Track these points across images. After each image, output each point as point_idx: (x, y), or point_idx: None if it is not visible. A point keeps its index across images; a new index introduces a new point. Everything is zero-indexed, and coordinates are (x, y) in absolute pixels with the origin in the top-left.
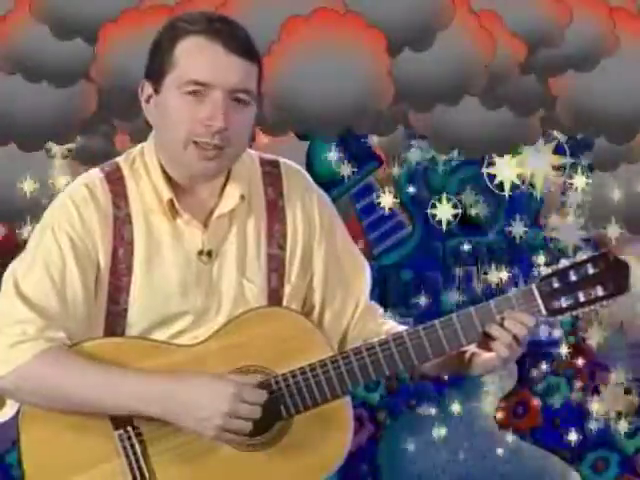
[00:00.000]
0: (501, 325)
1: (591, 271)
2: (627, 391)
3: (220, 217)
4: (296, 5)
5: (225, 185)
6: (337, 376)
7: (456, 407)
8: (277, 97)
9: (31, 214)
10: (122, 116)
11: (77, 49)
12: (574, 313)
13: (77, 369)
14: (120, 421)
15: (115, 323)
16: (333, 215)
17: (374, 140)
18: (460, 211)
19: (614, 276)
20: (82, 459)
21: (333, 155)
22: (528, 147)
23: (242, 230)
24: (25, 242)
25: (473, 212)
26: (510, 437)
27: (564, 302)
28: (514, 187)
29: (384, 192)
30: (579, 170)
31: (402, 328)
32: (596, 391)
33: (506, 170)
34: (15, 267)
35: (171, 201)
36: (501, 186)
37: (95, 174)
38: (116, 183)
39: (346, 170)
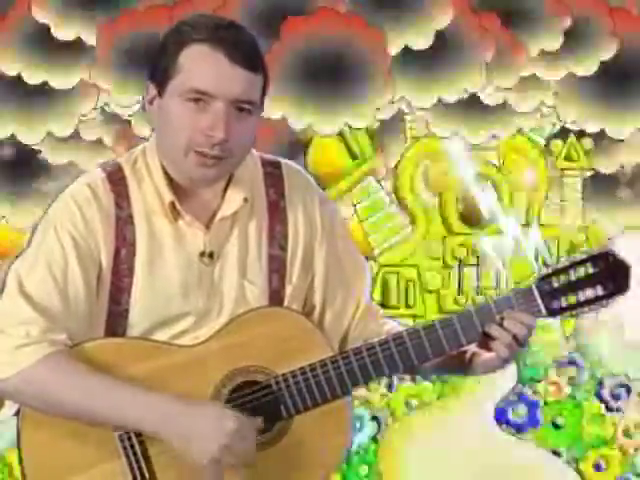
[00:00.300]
0: (501, 325)
1: (591, 270)
2: (627, 391)
3: (223, 219)
4: (296, 5)
5: (227, 187)
6: (337, 376)
7: (456, 407)
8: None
9: None
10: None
11: (77, 50)
12: (574, 313)
13: (78, 379)
14: None
15: (116, 323)
16: (334, 216)
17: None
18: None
19: (614, 276)
20: (82, 459)
21: (333, 155)
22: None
23: (244, 231)
24: None
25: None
26: (511, 437)
27: (564, 302)
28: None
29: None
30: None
31: (402, 328)
32: (596, 391)
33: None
34: (17, 266)
35: (172, 203)
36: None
37: (97, 174)
38: (118, 183)
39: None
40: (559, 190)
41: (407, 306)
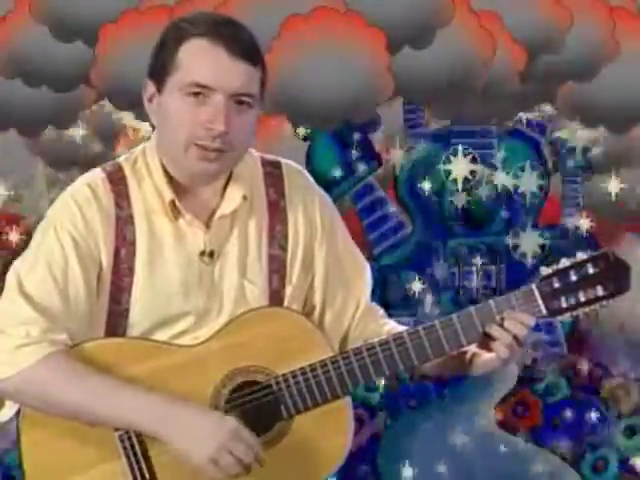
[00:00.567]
0: (501, 325)
1: (591, 271)
2: (627, 391)
3: (222, 218)
4: (296, 4)
5: (227, 186)
6: (337, 376)
7: (456, 407)
8: (277, 91)
9: None
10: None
11: (77, 52)
12: (574, 313)
13: (78, 380)
14: None
15: (117, 323)
16: (334, 216)
17: (374, 139)
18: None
19: (614, 276)
20: (82, 460)
21: (333, 155)
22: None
23: (244, 231)
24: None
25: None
26: (510, 437)
27: (564, 302)
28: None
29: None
30: None
31: (402, 328)
32: (596, 391)
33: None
34: (18, 266)
35: (173, 202)
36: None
37: (97, 174)
38: (118, 183)
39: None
40: None
41: (407, 306)
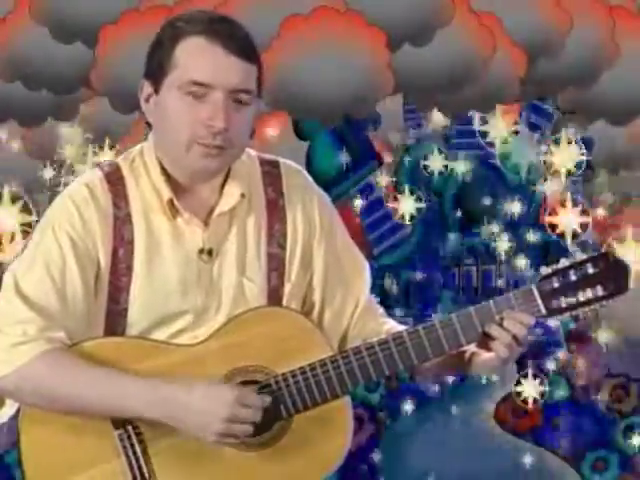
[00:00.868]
0: (500, 325)
1: (591, 271)
2: (627, 391)
3: (220, 215)
4: (296, 4)
5: (225, 183)
6: (337, 376)
7: (456, 407)
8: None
9: None
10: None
11: (77, 53)
12: (574, 313)
13: (77, 371)
14: (120, 421)
15: (115, 322)
16: (333, 215)
17: (374, 139)
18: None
19: (614, 276)
20: (82, 459)
21: (333, 155)
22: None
23: (242, 229)
24: None
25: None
26: (510, 437)
27: (564, 302)
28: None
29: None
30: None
31: (402, 327)
32: (596, 391)
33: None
34: (15, 267)
35: (171, 200)
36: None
37: (95, 174)
38: (116, 183)
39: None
40: None
41: (407, 306)
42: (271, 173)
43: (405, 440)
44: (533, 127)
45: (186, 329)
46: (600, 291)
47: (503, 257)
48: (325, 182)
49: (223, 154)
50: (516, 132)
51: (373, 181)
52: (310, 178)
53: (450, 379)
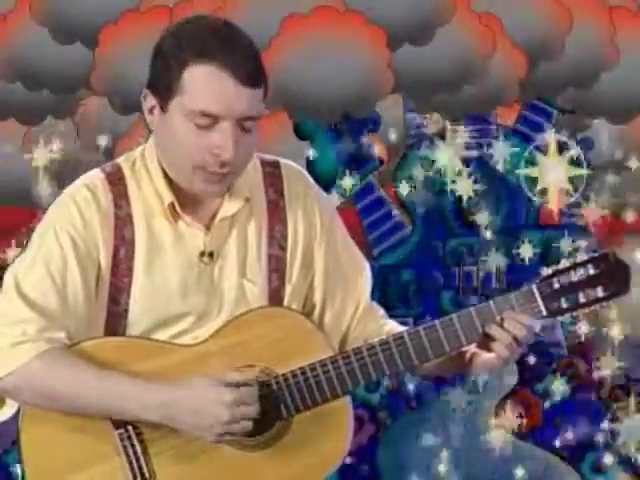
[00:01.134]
0: (501, 326)
1: (592, 272)
2: (627, 391)
3: (222, 220)
4: (296, 4)
5: (228, 188)
6: (337, 376)
7: (456, 407)
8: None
9: None
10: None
11: (77, 53)
12: (574, 314)
13: (76, 371)
14: (120, 420)
15: (116, 324)
16: (333, 215)
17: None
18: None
19: (615, 277)
20: (82, 458)
21: (333, 155)
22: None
23: (243, 231)
24: None
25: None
26: (510, 437)
27: (564, 303)
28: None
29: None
30: None
31: (402, 328)
32: (596, 391)
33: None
34: (16, 267)
35: (172, 205)
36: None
37: (96, 175)
38: (117, 183)
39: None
40: None
41: (407, 306)
42: (272, 174)
43: (405, 440)
44: (533, 127)
45: (187, 331)
46: (600, 292)
47: (503, 257)
48: (325, 182)
49: (227, 179)
50: (515, 131)
51: (373, 181)
52: (311, 179)
53: (450, 379)
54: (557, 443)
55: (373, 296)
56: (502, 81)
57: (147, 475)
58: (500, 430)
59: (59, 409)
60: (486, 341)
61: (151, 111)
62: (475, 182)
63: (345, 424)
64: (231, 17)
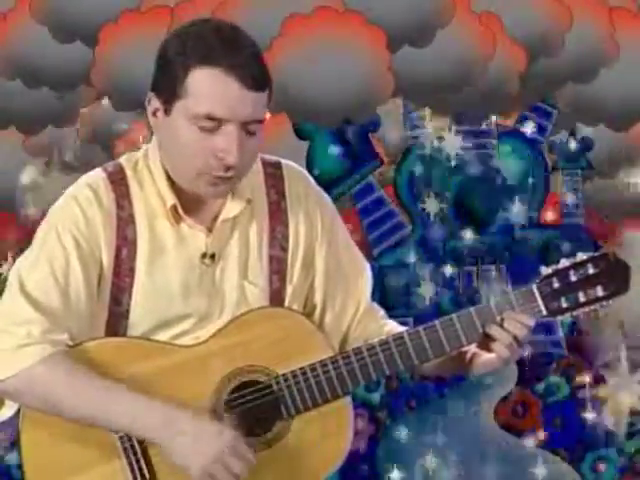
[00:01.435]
0: (501, 326)
1: (591, 271)
2: (627, 391)
3: (224, 221)
4: (296, 4)
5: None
6: (337, 376)
7: (456, 407)
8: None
9: None
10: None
11: (77, 53)
12: (574, 313)
13: (80, 383)
14: None
15: (117, 324)
16: (334, 216)
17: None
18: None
19: (614, 276)
20: (83, 460)
21: (333, 155)
22: None
23: (245, 233)
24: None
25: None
26: (510, 437)
27: (564, 302)
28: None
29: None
30: None
31: (402, 328)
32: (596, 391)
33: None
34: (20, 267)
35: (174, 207)
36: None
37: (98, 174)
38: (119, 183)
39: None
40: None
41: (407, 306)
42: (274, 175)
43: (405, 440)
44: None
45: (188, 332)
46: (600, 291)
47: (503, 257)
48: (325, 182)
49: (231, 182)
50: (515, 131)
51: (373, 181)
52: (312, 179)
53: (450, 379)
54: (557, 443)
55: (373, 296)
56: (502, 79)
57: (147, 476)
58: (500, 430)
59: (58, 415)
60: (486, 341)
61: (155, 114)
62: (475, 182)
63: (345, 424)
64: (232, 17)
